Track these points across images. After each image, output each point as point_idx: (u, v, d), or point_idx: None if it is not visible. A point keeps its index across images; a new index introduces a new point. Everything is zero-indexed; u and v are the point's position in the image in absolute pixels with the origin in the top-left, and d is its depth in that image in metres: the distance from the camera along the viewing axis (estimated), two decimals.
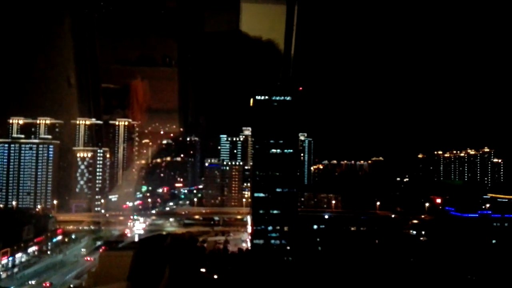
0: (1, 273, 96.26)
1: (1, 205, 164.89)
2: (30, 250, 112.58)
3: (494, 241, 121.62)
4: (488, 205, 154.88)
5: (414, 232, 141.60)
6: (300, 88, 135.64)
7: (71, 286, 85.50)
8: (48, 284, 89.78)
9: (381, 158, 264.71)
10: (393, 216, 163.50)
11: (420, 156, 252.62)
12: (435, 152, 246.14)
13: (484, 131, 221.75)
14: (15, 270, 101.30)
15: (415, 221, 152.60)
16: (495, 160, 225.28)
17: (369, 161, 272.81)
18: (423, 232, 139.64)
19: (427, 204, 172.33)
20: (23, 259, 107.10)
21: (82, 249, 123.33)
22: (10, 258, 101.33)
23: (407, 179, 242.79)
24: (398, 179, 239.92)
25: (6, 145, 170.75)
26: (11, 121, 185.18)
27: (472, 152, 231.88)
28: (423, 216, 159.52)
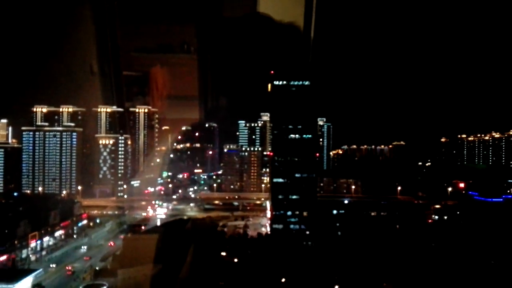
0: (30, 255, 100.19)
1: (29, 191, 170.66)
2: (57, 234, 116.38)
3: None
4: None
5: (436, 217, 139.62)
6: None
7: (97, 268, 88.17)
8: (70, 268, 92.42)
9: (402, 142, 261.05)
10: (414, 201, 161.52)
11: (443, 140, 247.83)
12: (459, 136, 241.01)
13: (510, 113, 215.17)
14: (43, 253, 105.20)
15: (437, 206, 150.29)
16: None
17: (390, 146, 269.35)
18: (445, 217, 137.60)
19: (450, 189, 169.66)
20: (50, 243, 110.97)
21: (107, 233, 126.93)
22: (39, 242, 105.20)
23: (429, 164, 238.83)
24: (420, 163, 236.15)
25: (31, 133, 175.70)
26: (35, 109, 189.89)
27: (497, 135, 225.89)
28: (445, 201, 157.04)
